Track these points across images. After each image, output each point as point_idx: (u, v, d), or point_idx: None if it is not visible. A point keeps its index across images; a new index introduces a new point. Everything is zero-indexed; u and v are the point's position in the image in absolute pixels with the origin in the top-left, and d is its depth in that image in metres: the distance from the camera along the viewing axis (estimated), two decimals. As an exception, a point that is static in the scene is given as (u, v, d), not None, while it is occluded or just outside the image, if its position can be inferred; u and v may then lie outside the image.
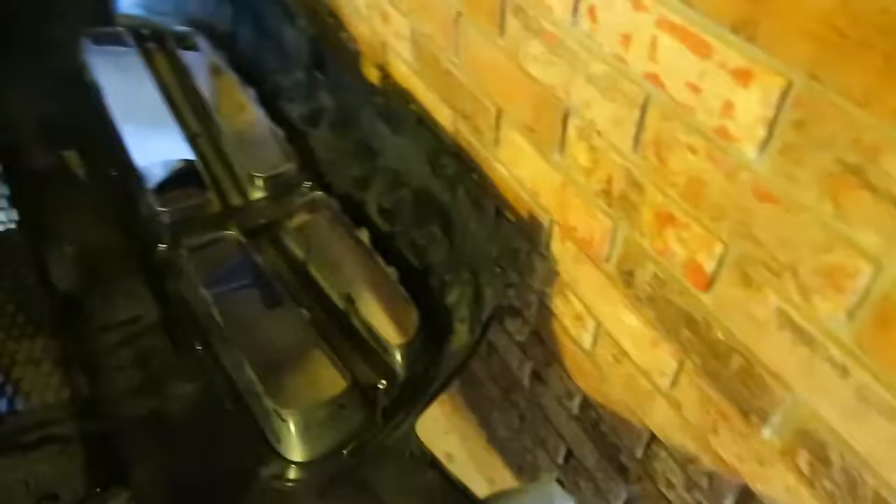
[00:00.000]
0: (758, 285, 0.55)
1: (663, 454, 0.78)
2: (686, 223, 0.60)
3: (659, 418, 0.76)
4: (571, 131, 0.70)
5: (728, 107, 0.51)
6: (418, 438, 0.74)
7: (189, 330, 0.95)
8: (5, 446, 0.77)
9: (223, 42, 1.47)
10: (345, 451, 0.77)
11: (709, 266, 0.59)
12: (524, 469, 1.23)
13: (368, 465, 0.75)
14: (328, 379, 0.84)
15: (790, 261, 0.51)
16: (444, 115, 0.95)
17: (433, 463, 0.69)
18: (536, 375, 1.02)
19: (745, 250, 0.55)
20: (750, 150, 0.50)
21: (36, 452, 0.76)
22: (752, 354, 0.59)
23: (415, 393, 0.81)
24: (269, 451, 0.78)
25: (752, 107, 0.49)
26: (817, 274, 0.49)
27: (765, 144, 0.49)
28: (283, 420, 0.76)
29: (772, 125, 0.48)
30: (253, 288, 0.99)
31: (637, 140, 0.61)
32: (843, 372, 0.50)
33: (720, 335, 0.61)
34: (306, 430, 0.77)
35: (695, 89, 0.53)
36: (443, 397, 1.57)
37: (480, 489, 1.49)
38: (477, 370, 1.26)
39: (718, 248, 0.58)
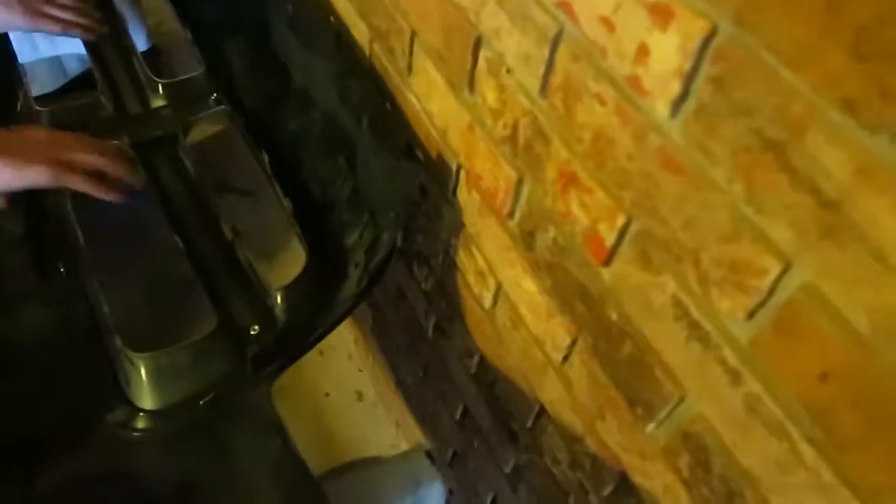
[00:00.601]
0: (657, 268, 0.47)
1: (551, 429, 0.72)
2: (590, 187, 0.51)
3: (550, 392, 0.70)
4: (482, 64, 0.60)
5: (643, 52, 0.41)
6: (271, 401, 0.66)
7: (54, 250, 0.84)
8: None
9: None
10: (202, 402, 0.69)
11: (609, 239, 0.51)
12: (426, 419, 1.18)
13: (224, 419, 0.67)
14: (194, 320, 0.75)
15: (693, 246, 0.43)
16: (361, 33, 0.84)
17: (280, 430, 0.61)
18: (439, 329, 0.95)
19: (648, 227, 0.47)
20: (662, 109, 0.42)
21: None
22: (646, 343, 0.52)
23: (291, 342, 0.73)
24: (119, 395, 0.70)
25: (668, 54, 0.40)
26: (720, 265, 0.42)
27: (679, 103, 0.40)
28: (133, 364, 0.67)
29: (688, 80, 0.39)
30: (131, 208, 0.89)
31: (545, 82, 0.52)
32: (736, 378, 0.44)
33: (614, 316, 0.54)
34: (159, 377, 0.68)
35: (609, 25, 0.43)
36: (358, 335, 1.51)
37: (388, 431, 1.45)
38: (388, 314, 1.18)
39: (620, 220, 0.50)
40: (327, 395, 1.47)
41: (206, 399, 0.69)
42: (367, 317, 1.33)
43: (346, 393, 1.53)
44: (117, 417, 0.68)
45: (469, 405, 0.94)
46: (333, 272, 0.81)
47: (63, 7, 0.93)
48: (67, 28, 0.93)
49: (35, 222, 0.88)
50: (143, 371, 0.68)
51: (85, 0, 0.98)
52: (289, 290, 0.77)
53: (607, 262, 0.53)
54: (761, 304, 0.40)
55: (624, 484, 0.62)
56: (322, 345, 1.56)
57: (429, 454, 0.86)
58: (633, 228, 0.49)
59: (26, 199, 0.89)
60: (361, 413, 1.50)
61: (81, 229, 0.80)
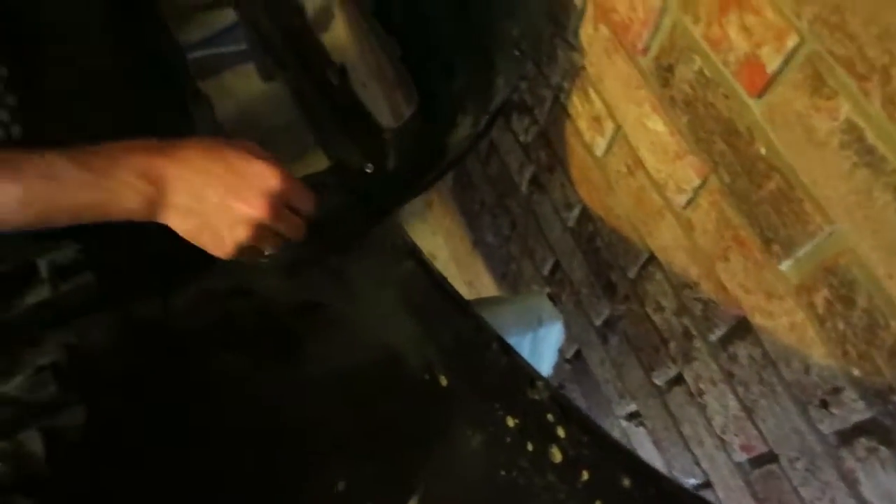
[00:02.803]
0: (830, 91, 0.45)
1: (659, 276, 0.73)
2: (758, 6, 0.48)
3: (663, 239, 0.69)
4: None
5: None
6: (403, 229, 0.67)
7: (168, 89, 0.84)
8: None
9: None
10: (320, 233, 0.70)
11: (772, 64, 0.49)
12: (507, 277, 1.20)
13: (342, 253, 0.69)
14: (310, 157, 0.75)
15: (884, 62, 0.41)
16: None
17: (414, 253, 0.63)
18: (536, 181, 0.94)
19: (828, 45, 0.44)
20: None
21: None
22: (796, 177, 0.50)
23: (403, 182, 0.74)
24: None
25: None
26: (916, 80, 0.39)
27: None
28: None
29: None
30: (242, 52, 0.88)
31: None
32: (907, 205, 0.42)
33: (763, 151, 0.53)
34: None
35: None
36: (432, 196, 1.51)
37: (460, 291, 1.48)
38: (472, 170, 1.18)
39: (791, 41, 0.47)
40: (400, 255, 1.51)
41: (324, 231, 0.70)
42: (447, 177, 1.33)
43: (419, 254, 1.57)
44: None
45: (561, 259, 0.95)
46: (444, 116, 0.80)
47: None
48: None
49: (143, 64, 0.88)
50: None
51: None
52: (400, 131, 0.76)
53: (763, 91, 0.51)
54: (960, 122, 0.38)
55: (739, 326, 0.63)
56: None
57: (550, 296, 0.88)
58: (805, 50, 0.46)
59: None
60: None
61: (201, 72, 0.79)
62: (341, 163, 0.77)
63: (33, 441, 0.43)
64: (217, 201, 0.54)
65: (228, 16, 1.08)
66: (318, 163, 0.78)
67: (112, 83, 0.85)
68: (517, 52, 0.71)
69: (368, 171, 0.76)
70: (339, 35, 0.92)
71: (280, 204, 0.56)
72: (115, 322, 0.62)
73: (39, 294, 0.61)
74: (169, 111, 0.81)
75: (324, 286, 0.68)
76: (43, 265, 0.61)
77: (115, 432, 0.51)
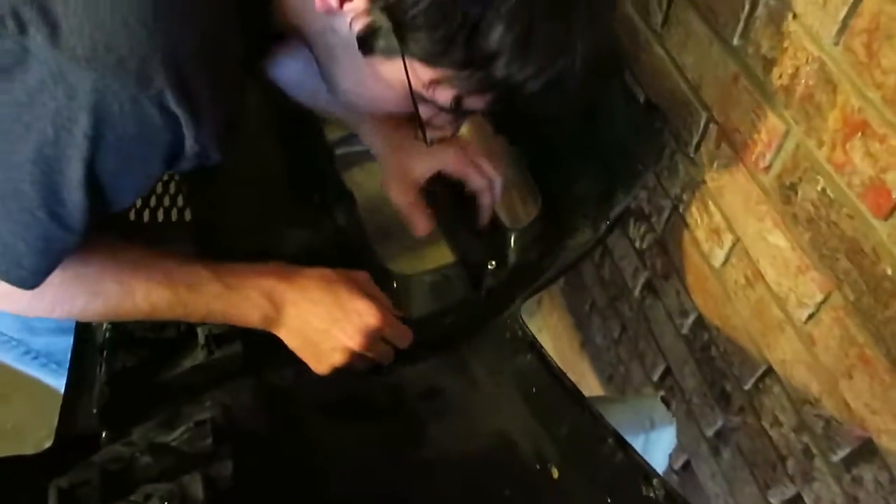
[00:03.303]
0: (959, 218, 0.46)
1: (777, 390, 0.72)
2: (883, 134, 0.51)
3: (783, 352, 0.69)
4: (761, 11, 0.60)
5: None
6: (523, 321, 0.71)
7: (309, 181, 0.95)
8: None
9: None
10: (444, 321, 0.76)
11: (898, 189, 0.51)
12: (614, 380, 1.20)
13: (464, 342, 0.74)
14: (435, 249, 0.82)
15: None
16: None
17: (533, 346, 0.66)
18: (650, 287, 0.96)
19: (955, 174, 0.46)
20: None
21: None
22: (925, 298, 0.51)
23: (523, 280, 0.78)
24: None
25: None
26: None
27: None
28: (388, 278, 0.76)
29: None
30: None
31: (844, 26, 0.52)
32: None
33: (889, 271, 0.53)
34: (407, 293, 0.76)
35: (946, -37, 0.43)
36: (542, 294, 1.55)
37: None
38: (584, 272, 1.21)
39: (917, 169, 0.49)
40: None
41: (447, 320, 0.76)
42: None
43: (524, 350, 1.58)
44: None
45: (672, 365, 0.95)
46: (565, 220, 0.85)
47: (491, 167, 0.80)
48: (492, 187, 0.80)
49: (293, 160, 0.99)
50: (394, 285, 0.76)
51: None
52: (523, 232, 0.82)
53: (889, 214, 0.52)
54: None
55: (865, 448, 0.61)
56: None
57: (664, 399, 0.89)
58: (933, 177, 0.48)
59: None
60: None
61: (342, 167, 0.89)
62: (465, 258, 0.82)
63: (195, 485, 0.49)
64: (322, 329, 0.65)
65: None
66: (443, 255, 0.85)
67: (273, 176, 0.97)
68: (639, 167, 0.75)
69: (491, 267, 0.81)
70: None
71: (375, 338, 0.67)
72: (256, 387, 0.69)
73: (196, 358, 0.69)
74: (315, 205, 0.91)
75: (447, 373, 0.73)
76: (201, 333, 0.69)
77: (254, 487, 0.56)
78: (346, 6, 0.51)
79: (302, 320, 0.66)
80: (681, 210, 0.83)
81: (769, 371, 0.73)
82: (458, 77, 0.53)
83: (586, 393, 1.32)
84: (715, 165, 0.73)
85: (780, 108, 0.61)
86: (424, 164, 0.77)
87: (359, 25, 0.52)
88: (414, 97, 0.55)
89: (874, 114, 0.51)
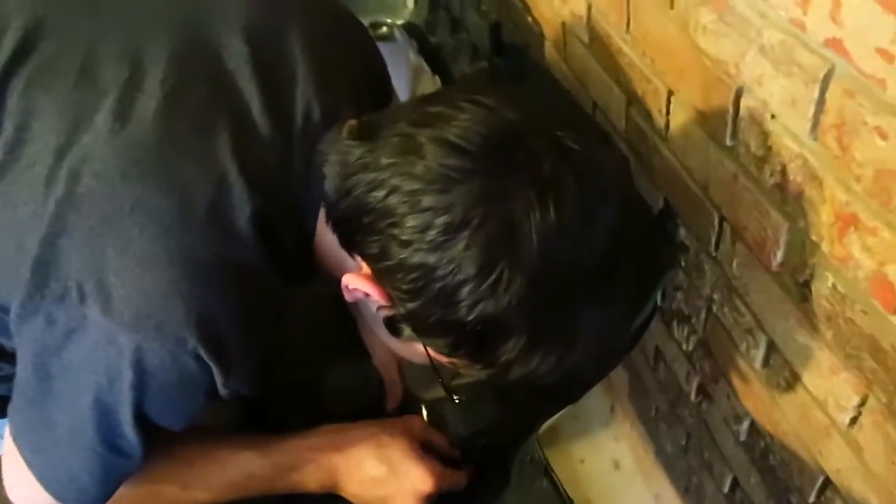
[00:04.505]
0: (964, 311, 0.43)
1: (839, 502, 0.65)
2: (873, 227, 0.48)
3: (835, 460, 0.63)
4: (744, 113, 0.60)
5: (929, 78, 0.39)
6: (539, 444, 0.69)
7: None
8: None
9: (419, 32, 1.51)
10: (475, 444, 0.75)
11: (901, 282, 0.47)
12: (689, 490, 1.12)
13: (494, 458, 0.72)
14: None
15: None
16: (615, 98, 0.88)
17: (546, 471, 0.64)
18: (703, 391, 0.91)
19: (949, 265, 0.43)
20: (957, 135, 0.39)
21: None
22: (955, 399, 0.46)
23: (553, 395, 0.77)
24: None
25: (961, 77, 0.37)
26: None
27: (978, 127, 0.37)
28: (418, 408, 0.76)
29: None
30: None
31: (815, 122, 0.51)
32: None
33: (913, 370, 0.49)
34: (436, 418, 0.76)
35: (887, 57, 0.42)
36: (614, 402, 1.49)
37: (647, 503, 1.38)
38: (646, 378, 1.16)
39: (914, 260, 0.46)
40: (582, 461, 1.46)
41: (478, 442, 0.75)
42: (623, 381, 1.31)
43: (603, 461, 1.50)
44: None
45: (738, 476, 0.88)
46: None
47: None
48: None
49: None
50: (423, 413, 0.77)
51: None
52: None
53: (899, 308, 0.49)
54: None
55: (937, 571, 0.54)
56: (577, 410, 1.57)
57: None
58: (931, 269, 0.45)
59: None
60: (619, 483, 1.45)
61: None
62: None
63: None
64: (381, 497, 0.68)
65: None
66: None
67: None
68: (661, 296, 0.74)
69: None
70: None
71: (431, 498, 0.69)
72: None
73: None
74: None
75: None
76: None
77: None
78: (371, 299, 0.54)
79: (359, 489, 0.69)
80: (714, 310, 0.79)
81: (827, 482, 0.66)
82: (475, 368, 0.55)
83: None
84: (735, 264, 0.71)
85: (779, 205, 0.59)
86: None
87: (384, 314, 0.55)
88: (438, 370, 0.59)
89: (861, 207, 0.49)
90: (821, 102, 0.49)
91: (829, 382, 0.60)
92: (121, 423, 0.54)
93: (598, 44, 0.89)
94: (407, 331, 0.54)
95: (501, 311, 0.47)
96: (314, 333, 0.97)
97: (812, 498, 0.70)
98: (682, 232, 0.79)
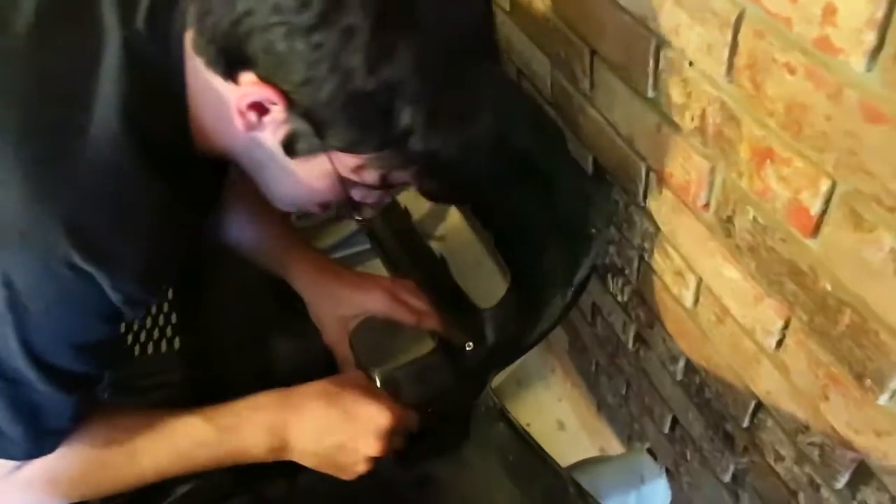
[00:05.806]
0: (870, 225, 0.47)
1: (770, 423, 0.70)
2: (787, 158, 0.53)
3: (765, 383, 0.69)
4: (663, 64, 0.64)
5: (830, 11, 0.43)
6: (492, 391, 0.72)
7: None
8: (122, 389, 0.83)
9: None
10: (429, 411, 0.76)
11: (814, 206, 0.52)
12: (632, 437, 1.17)
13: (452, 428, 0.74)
14: (416, 339, 0.84)
15: (907, 193, 0.43)
16: (540, 63, 0.91)
17: (503, 414, 0.67)
18: (640, 338, 0.96)
19: (855, 184, 0.47)
20: (856, 63, 0.43)
21: (145, 397, 0.82)
22: (867, 307, 0.51)
23: (501, 355, 0.79)
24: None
25: (858, 8, 0.41)
26: (940, 207, 0.41)
27: (874, 54, 0.41)
28: (371, 377, 0.77)
29: (883, 27, 0.40)
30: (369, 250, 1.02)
31: (730, 65, 0.54)
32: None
33: (829, 286, 0.54)
34: (389, 387, 0.77)
35: (791, -4, 0.46)
36: (555, 364, 1.54)
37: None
38: (584, 334, 1.21)
39: (824, 185, 0.50)
40: (528, 425, 1.50)
41: (432, 409, 0.76)
42: (563, 341, 1.36)
43: (547, 423, 1.55)
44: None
45: (678, 414, 0.93)
46: (536, 292, 0.86)
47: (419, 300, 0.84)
48: (423, 321, 0.82)
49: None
50: (377, 382, 0.78)
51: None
52: (496, 311, 0.84)
53: (815, 231, 0.53)
54: None
55: (860, 470, 0.60)
56: (519, 374, 1.61)
57: (650, 451, 0.87)
58: (839, 190, 0.49)
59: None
60: (565, 442, 1.51)
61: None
62: (445, 343, 0.84)
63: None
64: (336, 444, 0.65)
65: (350, 225, 1.26)
66: (424, 345, 0.86)
67: (257, 291, 1.00)
68: (592, 230, 0.77)
69: (469, 348, 0.82)
70: (440, 231, 1.04)
71: (391, 435, 0.66)
72: (251, 502, 0.70)
73: (187, 484, 0.71)
74: (299, 312, 0.93)
75: (437, 459, 0.73)
76: None
77: None
78: (266, 119, 0.53)
79: (311, 442, 0.66)
80: (646, 258, 0.84)
81: (759, 405, 0.72)
82: (380, 158, 0.54)
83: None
84: (663, 211, 0.75)
85: (701, 148, 0.63)
86: (353, 309, 0.81)
87: (280, 134, 0.54)
88: (344, 184, 0.57)
89: (776, 140, 0.53)
90: (734, 45, 0.53)
91: (755, 310, 0.65)
92: (11, 356, 0.50)
93: (520, 10, 0.91)
94: (305, 142, 0.53)
95: (396, 72, 0.47)
96: (254, 317, 0.96)
97: (746, 423, 0.75)
98: (614, 190, 0.83)
